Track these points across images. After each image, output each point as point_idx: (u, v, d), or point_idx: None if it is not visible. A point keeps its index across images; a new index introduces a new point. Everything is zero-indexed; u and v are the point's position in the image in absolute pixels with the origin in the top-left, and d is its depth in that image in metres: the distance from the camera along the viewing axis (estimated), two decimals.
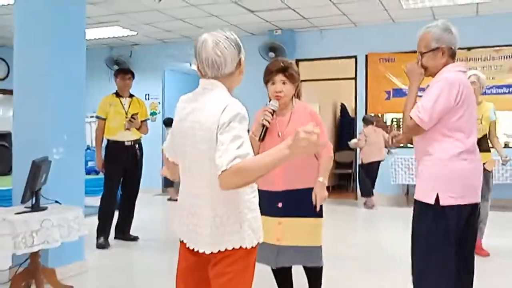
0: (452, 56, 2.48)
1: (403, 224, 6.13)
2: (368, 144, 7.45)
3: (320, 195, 2.79)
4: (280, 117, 2.84)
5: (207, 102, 1.76)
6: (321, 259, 2.92)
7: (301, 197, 2.80)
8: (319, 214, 2.86)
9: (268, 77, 2.85)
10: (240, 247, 1.74)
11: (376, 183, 7.60)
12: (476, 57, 7.40)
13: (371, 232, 6.01)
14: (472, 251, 2.54)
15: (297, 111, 2.86)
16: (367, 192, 7.39)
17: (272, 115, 2.74)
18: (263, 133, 2.72)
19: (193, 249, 1.81)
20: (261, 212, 1.89)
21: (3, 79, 9.47)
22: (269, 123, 2.72)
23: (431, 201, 2.35)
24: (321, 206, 2.86)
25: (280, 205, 2.79)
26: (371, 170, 7.47)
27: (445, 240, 2.36)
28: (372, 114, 8.01)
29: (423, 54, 2.51)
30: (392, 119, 9.04)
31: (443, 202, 2.33)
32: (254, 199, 1.82)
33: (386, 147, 4.68)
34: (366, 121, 7.64)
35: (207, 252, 1.75)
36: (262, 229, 1.84)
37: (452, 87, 2.34)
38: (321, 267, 2.97)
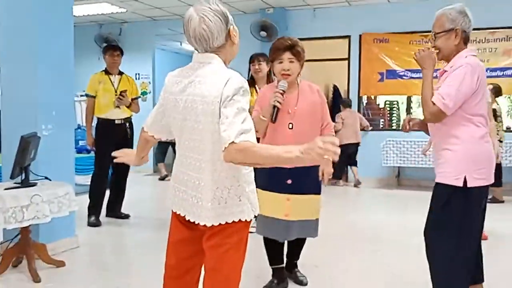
0: (465, 41, 2.50)
1: (394, 206, 6.27)
2: (345, 126, 7.59)
3: (327, 171, 2.90)
4: (288, 94, 2.85)
5: (207, 75, 1.74)
6: (317, 231, 3.07)
7: (308, 174, 2.89)
8: (320, 191, 3.01)
9: (275, 55, 2.85)
10: (239, 220, 1.77)
11: (366, 166, 7.67)
12: (472, 38, 7.39)
13: (359, 213, 6.06)
14: (481, 232, 2.61)
15: (303, 89, 2.92)
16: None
17: (283, 95, 2.78)
18: (275, 114, 2.78)
19: (188, 222, 1.83)
20: (269, 189, 1.96)
21: None
22: (280, 104, 2.76)
23: (460, 183, 2.37)
24: (320, 182, 2.98)
25: (289, 181, 2.86)
26: (345, 153, 7.51)
27: (474, 222, 2.43)
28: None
29: (437, 35, 2.50)
30: (385, 101, 9.04)
31: (470, 183, 2.36)
32: (251, 173, 1.84)
33: (423, 152, 4.74)
34: (344, 104, 7.74)
35: (208, 224, 1.75)
36: (258, 202, 1.86)
37: (474, 72, 2.36)
38: (305, 239, 3.16)
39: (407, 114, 8.27)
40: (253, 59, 4.44)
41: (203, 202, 1.76)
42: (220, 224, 1.76)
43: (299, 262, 3.40)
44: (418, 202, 6.15)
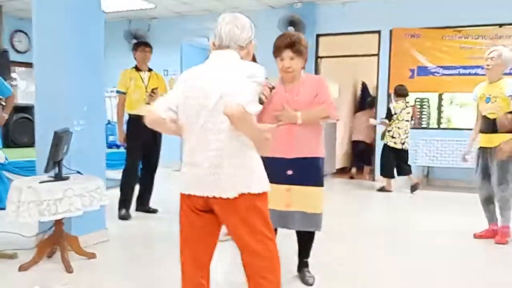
0: None
1: (421, 206, 6.16)
2: (355, 124, 7.91)
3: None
4: (290, 86, 2.97)
5: (233, 66, 2.01)
6: (321, 225, 3.05)
7: (308, 166, 2.95)
8: (321, 184, 3.03)
9: (276, 53, 2.95)
10: (258, 193, 2.02)
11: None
12: (507, 34, 7.12)
13: (385, 212, 5.97)
14: None
15: (305, 81, 2.98)
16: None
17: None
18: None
19: (203, 205, 2.04)
20: (269, 180, 2.09)
21: (24, 52, 9.53)
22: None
23: None
24: (322, 176, 3.04)
25: (290, 172, 2.92)
26: (356, 149, 8.11)
27: None
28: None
29: None
30: (416, 99, 8.84)
31: None
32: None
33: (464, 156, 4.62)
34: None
35: (231, 196, 1.96)
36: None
37: None
38: (313, 236, 3.16)
39: (438, 112, 8.06)
40: None
41: (225, 175, 1.97)
42: (242, 194, 1.97)
43: (323, 260, 3.40)
44: (447, 203, 6.06)
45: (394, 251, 4.03)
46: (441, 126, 7.98)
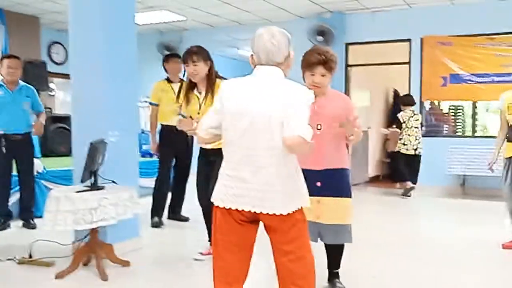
0: None
1: (457, 216, 6.01)
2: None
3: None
4: (316, 100, 2.87)
5: (282, 85, 2.05)
6: (350, 236, 3.04)
7: (338, 177, 2.97)
8: (350, 195, 3.03)
9: (307, 67, 2.94)
10: (301, 207, 2.11)
11: (429, 173, 7.39)
12: None
13: (421, 222, 5.85)
14: None
15: (331, 96, 2.99)
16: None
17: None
18: None
19: (248, 216, 2.07)
20: None
21: (62, 64, 9.84)
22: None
23: None
24: (350, 187, 3.04)
25: (319, 184, 2.92)
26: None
27: None
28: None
29: None
30: (450, 106, 8.69)
31: None
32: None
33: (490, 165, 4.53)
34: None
35: (284, 213, 2.02)
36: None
37: None
38: (342, 247, 3.13)
39: (472, 120, 7.88)
40: (185, 59, 3.84)
41: (276, 193, 2.01)
42: (291, 212, 2.03)
43: (355, 271, 3.35)
44: (484, 213, 5.89)
45: (427, 263, 3.93)
46: (476, 134, 7.79)
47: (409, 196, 7.19)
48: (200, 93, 3.78)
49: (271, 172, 2.01)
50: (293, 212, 2.05)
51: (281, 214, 2.02)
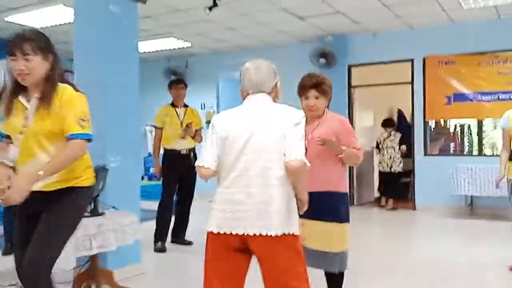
0: None
1: (465, 237, 5.91)
2: None
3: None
4: (309, 125, 2.89)
5: (271, 108, 2.15)
6: (342, 265, 2.91)
7: (325, 200, 2.85)
8: (341, 220, 2.89)
9: (301, 92, 3.01)
10: (295, 233, 2.09)
11: (435, 193, 7.41)
12: None
13: (428, 244, 5.76)
14: None
15: (326, 120, 2.99)
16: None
17: None
18: None
19: (240, 243, 2.07)
20: None
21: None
22: None
23: None
24: (347, 212, 2.95)
25: None
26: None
27: None
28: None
29: None
30: (455, 125, 8.63)
31: None
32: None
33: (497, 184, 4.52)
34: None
35: (279, 233, 2.02)
36: None
37: None
38: (342, 273, 2.98)
39: (478, 138, 7.82)
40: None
41: (272, 213, 2.02)
42: (284, 234, 2.03)
43: None
44: (493, 234, 5.79)
45: (433, 286, 3.87)
46: (483, 152, 7.71)
47: (393, 209, 7.88)
48: (29, 101, 2.41)
49: (265, 193, 2.04)
50: (287, 235, 2.04)
51: (276, 236, 2.01)
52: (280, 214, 2.03)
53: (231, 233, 2.06)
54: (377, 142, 8.26)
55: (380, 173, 8.26)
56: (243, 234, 2.04)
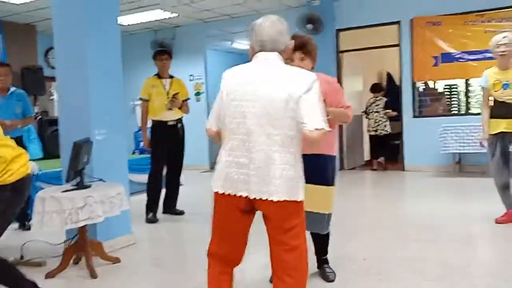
0: None
1: (454, 194, 6.00)
2: None
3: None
4: None
5: (281, 71, 2.05)
6: (327, 226, 3.00)
7: (314, 163, 2.84)
8: (329, 183, 2.95)
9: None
10: (301, 200, 2.08)
11: (425, 153, 7.53)
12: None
13: (417, 202, 5.83)
14: None
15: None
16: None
17: None
18: None
19: (246, 203, 2.08)
20: None
21: None
22: None
23: None
24: (333, 175, 2.99)
25: None
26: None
27: None
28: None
29: None
30: (444, 86, 8.59)
31: None
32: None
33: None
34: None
35: (281, 199, 2.00)
36: None
37: None
38: (328, 234, 3.08)
39: (466, 97, 7.84)
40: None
41: (274, 179, 2.00)
42: (287, 200, 2.01)
43: (346, 255, 3.37)
44: (481, 190, 5.86)
45: (420, 242, 3.94)
46: (470, 111, 7.74)
47: (383, 169, 8.20)
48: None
49: (271, 158, 2.01)
50: (291, 200, 2.04)
51: (278, 201, 2.01)
52: (282, 180, 2.01)
53: (235, 195, 2.07)
54: (366, 107, 8.47)
55: (370, 137, 8.51)
56: (247, 197, 2.06)
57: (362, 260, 3.52)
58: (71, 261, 3.59)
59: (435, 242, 3.91)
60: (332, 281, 3.10)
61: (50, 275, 3.41)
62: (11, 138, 4.77)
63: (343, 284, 3.06)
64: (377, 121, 8.26)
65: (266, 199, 2.02)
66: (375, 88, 8.44)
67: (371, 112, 8.34)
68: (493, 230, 4.20)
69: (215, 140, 2.21)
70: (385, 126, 8.18)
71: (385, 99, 8.26)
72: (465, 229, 4.30)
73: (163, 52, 5.50)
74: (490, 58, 6.97)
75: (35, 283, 2.66)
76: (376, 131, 8.27)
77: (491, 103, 4.29)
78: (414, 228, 4.40)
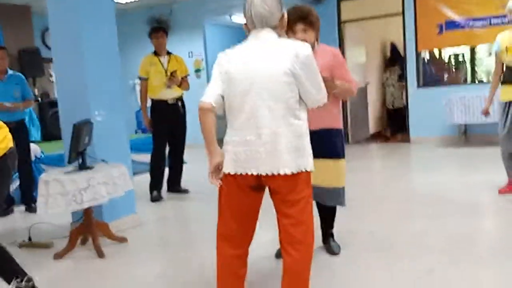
0: None
1: (460, 165, 5.96)
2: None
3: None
4: None
5: (276, 45, 2.07)
6: (343, 199, 3.00)
7: (326, 138, 2.87)
8: (341, 156, 2.95)
9: (288, 27, 2.80)
10: (307, 170, 2.09)
11: (430, 124, 7.43)
12: None
13: (423, 174, 5.78)
14: None
15: (319, 52, 2.87)
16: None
17: None
18: None
19: (255, 181, 2.08)
20: None
21: None
22: None
23: None
24: (343, 148, 2.98)
25: None
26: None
27: None
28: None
29: None
30: (450, 55, 8.46)
31: None
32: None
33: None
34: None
35: (288, 172, 2.02)
36: None
37: None
38: (335, 208, 3.10)
39: (471, 66, 7.70)
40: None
41: (282, 153, 2.02)
42: (295, 173, 2.03)
43: (353, 229, 3.36)
44: (486, 160, 5.82)
45: (427, 215, 3.91)
46: (476, 80, 7.62)
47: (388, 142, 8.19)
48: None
49: (277, 132, 2.02)
50: (298, 173, 2.05)
51: (285, 174, 2.02)
52: (290, 153, 2.03)
53: (246, 174, 2.07)
54: (383, 80, 8.80)
55: (387, 110, 8.82)
56: (257, 174, 2.05)
57: (367, 233, 3.51)
58: (79, 242, 3.60)
59: (440, 215, 3.88)
60: (337, 254, 3.11)
61: (58, 256, 3.43)
62: (13, 121, 4.86)
63: (348, 258, 3.06)
64: (393, 94, 8.36)
65: (274, 174, 2.03)
66: (389, 62, 8.63)
67: (387, 86, 8.48)
68: (497, 201, 4.16)
69: (205, 115, 2.09)
70: (401, 99, 8.29)
71: (399, 71, 8.20)
72: (471, 200, 4.26)
73: (157, 29, 5.40)
74: (496, 24, 6.89)
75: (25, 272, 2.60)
76: (393, 104, 8.46)
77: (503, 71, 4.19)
78: (420, 201, 4.37)
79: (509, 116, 4.12)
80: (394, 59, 8.43)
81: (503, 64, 4.18)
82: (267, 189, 2.17)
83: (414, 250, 3.12)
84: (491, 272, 2.72)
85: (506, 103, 4.14)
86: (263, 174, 2.04)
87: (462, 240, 3.25)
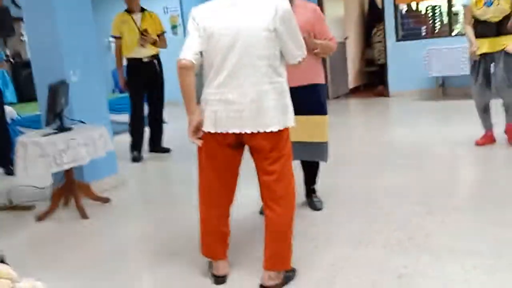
0: None
1: (438, 118, 6.05)
2: None
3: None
4: None
5: (256, 0, 2.03)
6: (327, 155, 3.04)
7: (309, 94, 2.89)
8: (323, 112, 2.98)
9: None
10: (287, 127, 2.13)
11: (408, 77, 7.51)
12: None
13: (401, 127, 5.88)
14: None
15: (298, 7, 2.80)
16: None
17: None
18: None
19: (238, 138, 2.09)
20: None
21: None
22: None
23: None
24: (324, 104, 3.00)
25: None
26: None
27: None
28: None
29: None
30: (427, 7, 8.38)
31: None
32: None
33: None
34: None
35: (268, 130, 2.04)
36: None
37: None
38: (318, 163, 3.14)
39: (449, 18, 7.65)
40: None
41: (268, 110, 2.02)
42: (280, 130, 2.05)
43: (333, 183, 3.43)
44: (464, 112, 5.92)
45: (405, 167, 3.99)
46: (453, 33, 7.61)
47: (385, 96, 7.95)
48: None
49: (258, 91, 2.01)
50: (278, 130, 2.06)
51: (264, 132, 2.03)
52: (275, 110, 2.04)
53: (227, 132, 2.07)
54: (369, 37, 8.88)
55: (379, 66, 8.80)
56: (239, 133, 2.05)
57: (348, 188, 3.57)
58: (61, 204, 3.59)
59: (419, 167, 3.98)
60: (320, 209, 3.17)
61: (40, 218, 3.43)
62: None
63: (330, 213, 3.13)
64: (380, 50, 8.37)
65: (260, 132, 2.03)
66: (374, 17, 8.56)
67: (374, 42, 8.59)
68: (474, 152, 4.28)
69: (185, 73, 2.04)
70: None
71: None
72: (449, 152, 4.38)
73: None
74: None
75: None
76: (379, 60, 8.51)
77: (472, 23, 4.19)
78: (399, 155, 4.46)
79: (481, 69, 4.18)
80: (374, 14, 8.34)
81: (472, 17, 4.17)
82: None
83: (393, 202, 3.21)
84: (465, 220, 2.83)
85: (478, 56, 4.17)
86: (248, 132, 2.04)
87: (439, 191, 3.35)
